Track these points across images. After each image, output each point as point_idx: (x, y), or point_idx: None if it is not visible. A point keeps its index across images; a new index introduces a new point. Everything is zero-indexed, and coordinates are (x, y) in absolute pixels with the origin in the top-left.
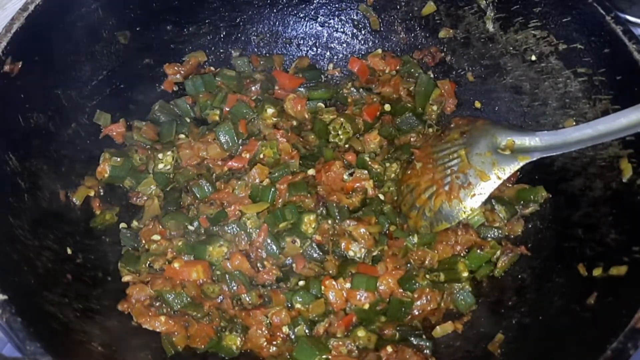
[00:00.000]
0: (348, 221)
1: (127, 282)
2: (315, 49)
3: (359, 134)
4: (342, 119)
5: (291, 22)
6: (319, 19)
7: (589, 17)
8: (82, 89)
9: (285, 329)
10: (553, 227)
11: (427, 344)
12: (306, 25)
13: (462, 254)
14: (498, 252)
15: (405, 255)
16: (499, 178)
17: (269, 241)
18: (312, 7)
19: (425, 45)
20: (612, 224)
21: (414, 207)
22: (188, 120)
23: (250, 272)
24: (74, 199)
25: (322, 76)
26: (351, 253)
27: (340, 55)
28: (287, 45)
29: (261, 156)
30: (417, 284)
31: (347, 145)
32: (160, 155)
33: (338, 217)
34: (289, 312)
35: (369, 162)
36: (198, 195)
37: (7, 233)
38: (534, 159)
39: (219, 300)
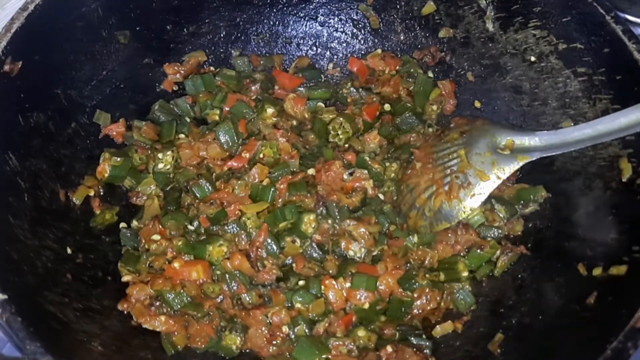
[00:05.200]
0: (348, 221)
1: (127, 281)
2: (315, 48)
3: (358, 134)
4: (341, 119)
5: (291, 22)
6: (318, 19)
7: (589, 16)
8: (82, 88)
9: (285, 328)
10: (553, 227)
11: (427, 343)
12: (306, 25)
13: (462, 254)
14: (498, 252)
15: (405, 255)
16: (498, 178)
17: (269, 241)
18: (311, 6)
19: (425, 45)
20: (612, 223)
21: (413, 206)
22: (188, 120)
23: (250, 272)
24: (74, 199)
25: (322, 76)
26: (351, 253)
27: (340, 54)
28: (287, 45)
29: (261, 156)
30: (417, 284)
31: (346, 145)
32: (160, 155)
33: (338, 217)
34: (289, 312)
35: (369, 162)
36: (198, 195)
37: (7, 233)
38: (534, 158)
39: (219, 300)
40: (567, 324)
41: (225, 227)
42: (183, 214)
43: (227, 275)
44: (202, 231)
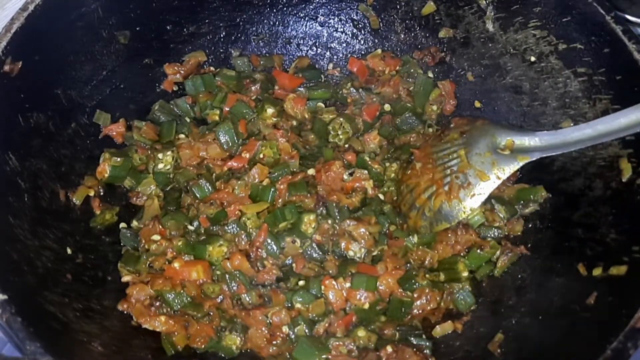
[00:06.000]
0: (348, 221)
1: (127, 282)
2: (315, 48)
3: (358, 134)
4: (341, 119)
5: (291, 22)
6: (318, 19)
7: (589, 17)
8: (82, 89)
9: (285, 328)
10: (553, 227)
11: (427, 343)
12: (306, 25)
13: (462, 254)
14: (498, 252)
15: (405, 255)
16: (498, 178)
17: (269, 241)
18: (311, 6)
19: (425, 45)
20: (612, 224)
21: (413, 207)
22: (188, 120)
23: (250, 272)
24: (74, 199)
25: (322, 76)
26: (351, 253)
27: (340, 55)
28: (287, 45)
29: (261, 156)
30: (417, 284)
31: (346, 145)
32: (160, 155)
33: (338, 217)
34: (289, 312)
35: (369, 162)
36: (198, 195)
37: (7, 233)
38: (534, 159)
39: (219, 300)
40: (567, 324)
41: (225, 227)
42: (183, 214)
43: (227, 276)
44: (202, 231)
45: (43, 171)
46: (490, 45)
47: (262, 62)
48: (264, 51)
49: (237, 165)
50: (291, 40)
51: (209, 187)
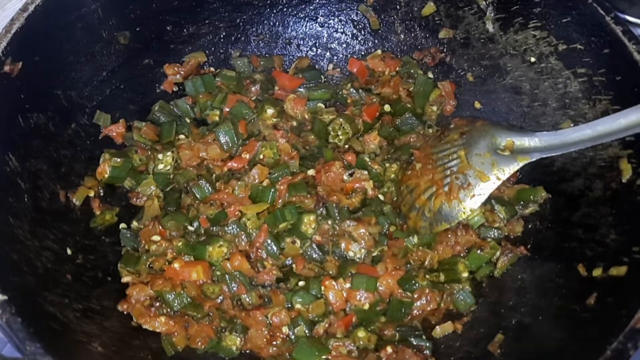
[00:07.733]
0: (348, 221)
1: (127, 282)
2: (315, 49)
3: (358, 135)
4: (341, 120)
5: (291, 23)
6: (318, 20)
7: (589, 17)
8: (82, 89)
9: (285, 329)
10: (553, 227)
11: (427, 344)
12: (306, 26)
13: (462, 255)
14: (498, 253)
15: (405, 256)
16: (498, 179)
17: (269, 241)
18: (312, 7)
19: (425, 46)
20: (612, 224)
21: (413, 207)
22: (188, 120)
23: (250, 273)
24: (74, 199)
25: (322, 77)
26: (351, 253)
27: (340, 55)
28: (287, 45)
29: (261, 156)
30: (417, 285)
31: (346, 146)
32: (160, 156)
33: (338, 218)
34: (289, 313)
35: (369, 163)
36: (198, 196)
37: (7, 233)
38: (534, 159)
39: (219, 301)
40: (567, 325)
41: (225, 228)
42: (183, 215)
43: (227, 276)
44: (202, 232)
45: (43, 172)
46: (490, 45)
47: (262, 63)
48: (264, 52)
49: (237, 166)
50: (291, 41)
51: (209, 188)
